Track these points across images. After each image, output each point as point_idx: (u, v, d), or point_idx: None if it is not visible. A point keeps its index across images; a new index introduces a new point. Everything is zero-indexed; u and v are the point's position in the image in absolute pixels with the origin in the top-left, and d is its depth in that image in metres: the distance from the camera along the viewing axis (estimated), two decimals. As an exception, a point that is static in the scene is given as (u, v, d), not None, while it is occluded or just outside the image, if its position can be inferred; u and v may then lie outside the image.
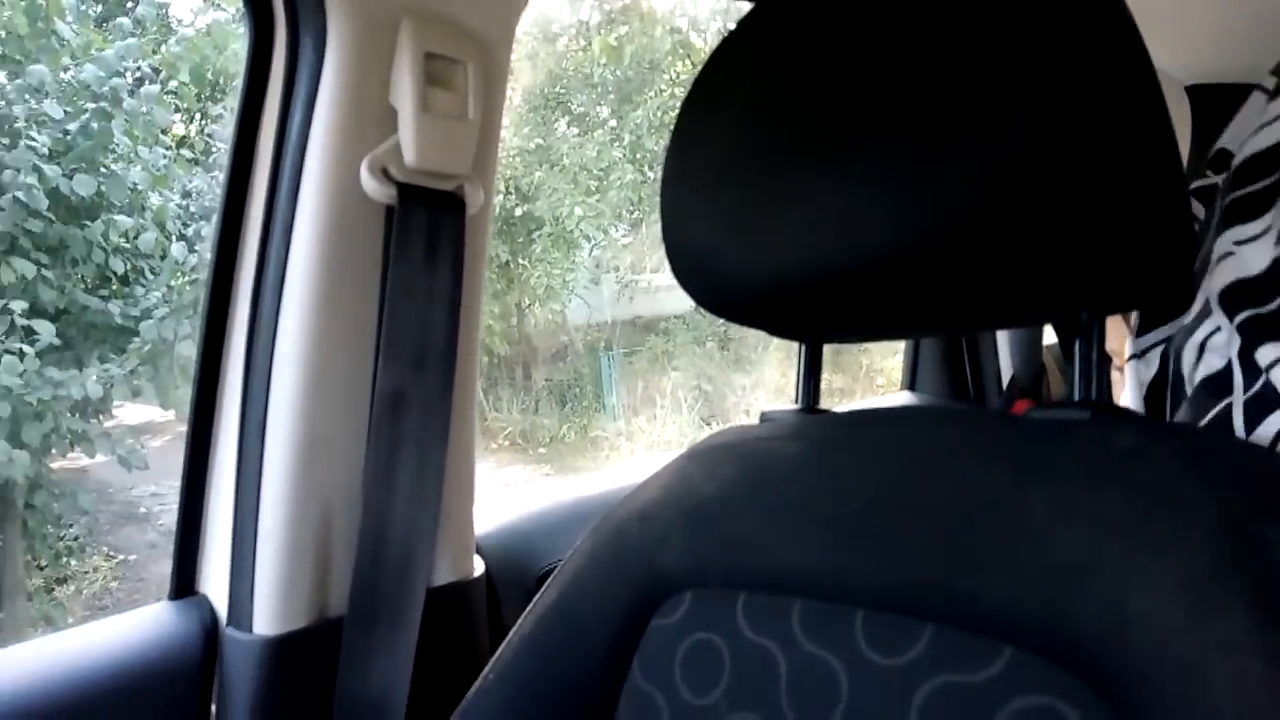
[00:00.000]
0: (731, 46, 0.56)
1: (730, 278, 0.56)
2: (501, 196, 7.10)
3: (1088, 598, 0.39)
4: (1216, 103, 1.30)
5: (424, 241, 0.77)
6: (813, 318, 0.58)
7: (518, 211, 7.14)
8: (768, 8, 0.54)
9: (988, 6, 0.44)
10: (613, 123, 7.73)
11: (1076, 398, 0.48)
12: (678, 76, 7.42)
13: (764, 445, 0.56)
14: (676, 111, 0.58)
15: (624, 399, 7.60)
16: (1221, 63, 1.27)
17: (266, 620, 0.76)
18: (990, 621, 0.42)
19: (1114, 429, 0.45)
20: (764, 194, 0.53)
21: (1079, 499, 0.41)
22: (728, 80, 0.56)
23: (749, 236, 0.53)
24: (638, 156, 7.36)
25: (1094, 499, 0.41)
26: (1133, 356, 0.58)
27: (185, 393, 4.37)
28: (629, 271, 8.04)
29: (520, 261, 7.32)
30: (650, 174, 7.36)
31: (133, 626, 0.78)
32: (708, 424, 7.20)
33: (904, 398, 1.79)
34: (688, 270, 0.59)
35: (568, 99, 7.79)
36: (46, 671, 0.71)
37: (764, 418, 0.65)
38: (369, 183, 0.74)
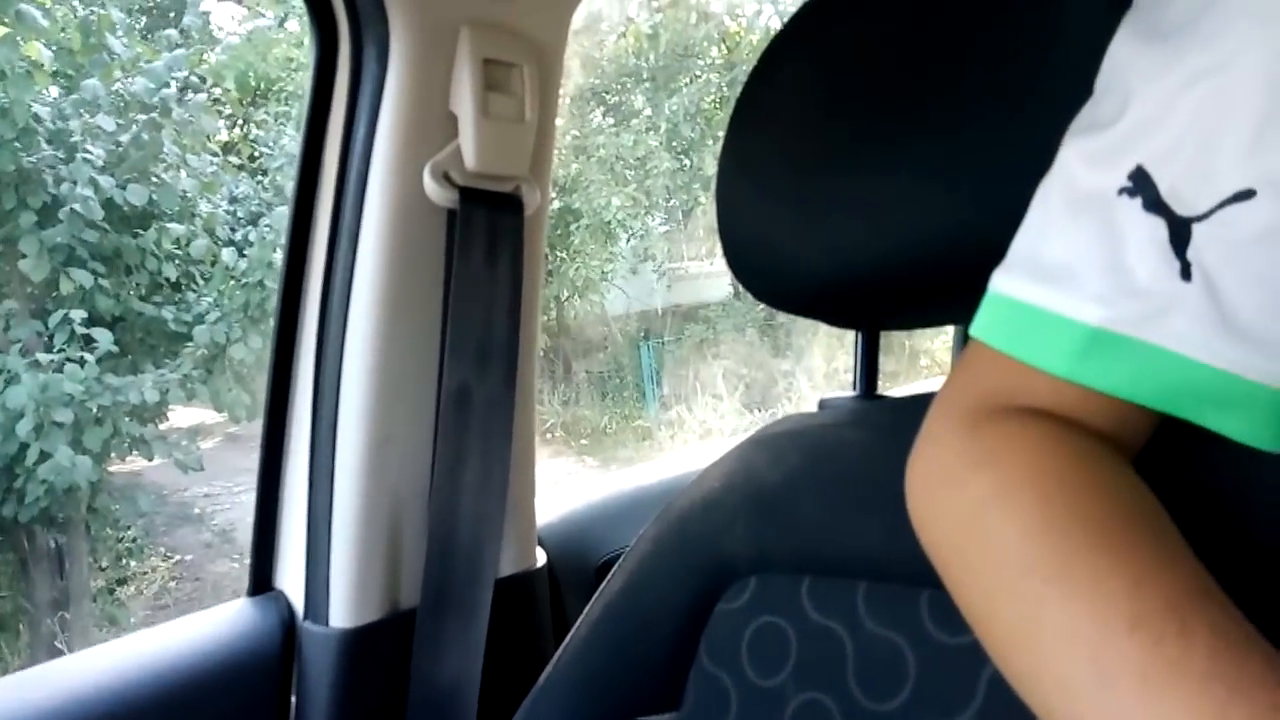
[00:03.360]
0: (789, 36, 0.56)
1: (786, 267, 0.56)
2: (539, 191, 7.08)
3: None
4: None
5: (485, 242, 0.78)
6: (870, 306, 0.59)
7: (555, 204, 7.13)
8: None
9: None
10: (648, 111, 7.71)
11: None
12: (713, 62, 7.37)
13: (826, 432, 0.56)
14: (712, 98, 0.58)
15: (664, 388, 7.60)
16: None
17: (342, 613, 0.79)
18: None
19: None
20: (822, 184, 0.53)
21: None
22: (785, 70, 0.56)
23: (807, 226, 0.54)
24: (674, 144, 7.33)
25: None
26: None
27: (238, 395, 4.49)
28: (667, 260, 8.02)
29: (558, 254, 7.34)
30: (687, 161, 7.34)
31: (213, 623, 0.80)
32: (750, 411, 7.19)
33: None
34: (742, 260, 0.59)
35: (603, 89, 7.77)
36: (131, 671, 0.73)
37: (823, 405, 0.66)
38: (431, 187, 0.75)
